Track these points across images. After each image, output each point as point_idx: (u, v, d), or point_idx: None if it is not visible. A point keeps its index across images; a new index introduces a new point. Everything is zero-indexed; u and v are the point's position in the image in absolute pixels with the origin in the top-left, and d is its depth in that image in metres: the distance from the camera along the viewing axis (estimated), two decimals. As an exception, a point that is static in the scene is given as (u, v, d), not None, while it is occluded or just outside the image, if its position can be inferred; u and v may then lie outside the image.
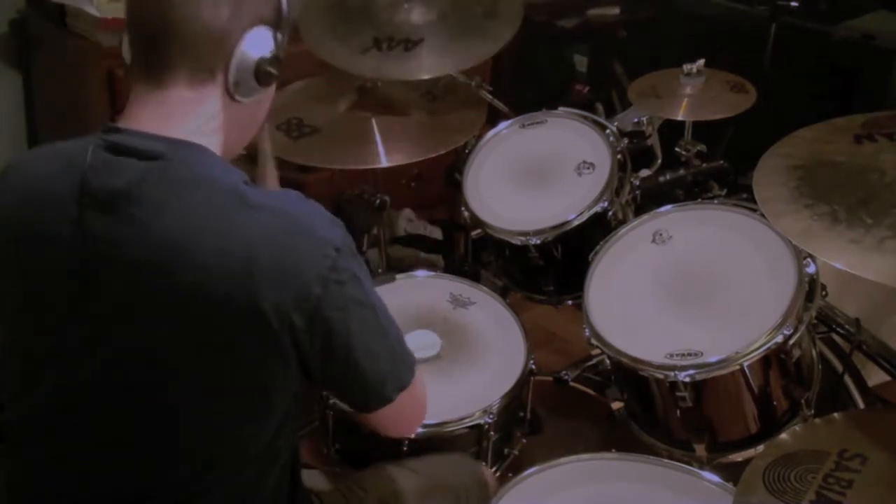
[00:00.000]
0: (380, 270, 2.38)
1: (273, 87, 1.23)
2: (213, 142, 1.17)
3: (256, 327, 1.09)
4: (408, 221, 3.09)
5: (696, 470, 1.50)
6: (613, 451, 1.54)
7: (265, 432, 1.19)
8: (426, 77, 2.13)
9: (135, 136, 1.13)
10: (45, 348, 1.16)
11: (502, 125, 2.19)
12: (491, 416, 1.68)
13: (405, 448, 1.61)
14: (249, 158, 1.41)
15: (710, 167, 2.30)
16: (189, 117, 1.14)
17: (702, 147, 2.25)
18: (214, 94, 1.15)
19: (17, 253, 1.16)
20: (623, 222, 1.95)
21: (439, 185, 2.44)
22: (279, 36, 1.17)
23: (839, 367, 1.94)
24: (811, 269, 1.63)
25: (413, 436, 1.55)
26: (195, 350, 1.11)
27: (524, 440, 1.85)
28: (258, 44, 1.15)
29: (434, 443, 1.64)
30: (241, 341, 1.10)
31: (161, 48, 1.12)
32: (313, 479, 1.47)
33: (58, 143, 1.19)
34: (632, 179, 2.09)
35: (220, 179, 1.13)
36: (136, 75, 1.15)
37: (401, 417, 1.32)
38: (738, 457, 1.68)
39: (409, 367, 1.26)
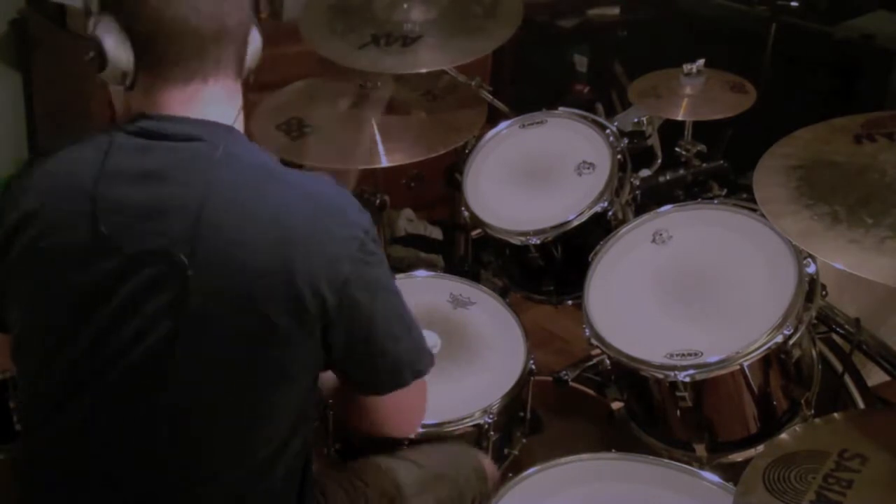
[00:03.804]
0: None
1: None
2: (240, 126, 1.22)
3: (288, 297, 1.12)
4: (408, 221, 3.10)
5: (696, 470, 1.50)
6: (613, 451, 1.54)
7: (280, 411, 1.19)
8: (422, 70, 2.13)
9: (166, 121, 1.16)
10: (66, 329, 1.17)
11: (502, 125, 2.19)
12: (491, 416, 1.68)
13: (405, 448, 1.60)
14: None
15: (710, 167, 2.30)
16: (230, 105, 1.20)
17: (702, 147, 2.25)
18: (227, 84, 1.20)
19: (40, 238, 1.17)
20: (623, 222, 1.95)
21: (439, 185, 2.44)
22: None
23: (839, 367, 1.94)
24: (811, 269, 1.63)
25: (412, 435, 1.55)
26: (223, 322, 1.12)
27: (524, 440, 1.85)
28: (255, 33, 1.23)
29: (434, 442, 1.64)
30: (269, 312, 1.11)
31: (215, 49, 1.17)
32: (314, 473, 1.48)
33: (85, 134, 1.22)
34: (632, 179, 2.09)
35: (254, 158, 1.18)
36: (160, 74, 1.17)
37: (409, 407, 1.34)
38: (738, 457, 1.68)
39: (426, 356, 1.30)
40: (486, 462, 1.62)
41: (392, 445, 1.57)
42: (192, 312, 1.11)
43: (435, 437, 1.63)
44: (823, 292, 1.66)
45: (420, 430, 1.59)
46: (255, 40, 1.23)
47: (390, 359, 1.24)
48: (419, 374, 1.28)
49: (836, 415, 1.45)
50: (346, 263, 1.14)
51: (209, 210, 1.11)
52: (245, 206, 1.12)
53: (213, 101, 1.18)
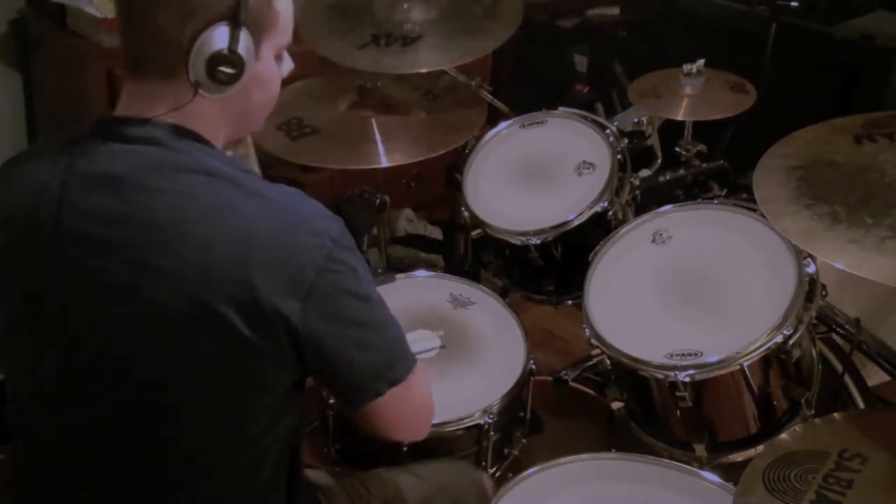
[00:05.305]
0: (380, 270, 2.38)
1: (266, 77, 1.22)
2: (200, 131, 1.18)
3: (250, 311, 1.10)
4: (408, 221, 3.10)
5: (696, 470, 1.50)
6: (613, 451, 1.54)
7: (260, 415, 1.19)
8: (423, 70, 2.13)
9: (132, 124, 1.15)
10: (44, 334, 1.17)
11: (502, 125, 2.19)
12: (491, 416, 1.68)
13: (405, 448, 1.60)
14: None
15: (710, 167, 2.30)
16: (169, 107, 1.15)
17: (702, 147, 2.25)
18: (185, 88, 1.15)
19: (11, 240, 1.18)
20: (623, 222, 1.95)
21: (439, 185, 2.45)
22: (240, 31, 1.14)
23: (839, 367, 1.94)
24: (811, 269, 1.63)
25: (411, 440, 1.55)
26: (189, 331, 1.11)
27: (524, 440, 1.85)
28: (213, 43, 1.12)
29: (434, 443, 1.63)
30: (234, 323, 1.10)
31: (136, 45, 1.15)
32: (317, 477, 1.48)
33: (55, 136, 1.22)
34: (632, 179, 2.09)
35: (217, 166, 1.15)
36: (125, 66, 1.18)
37: (393, 416, 1.31)
38: (738, 457, 1.68)
39: (405, 364, 1.26)
40: (485, 478, 1.62)
41: (392, 452, 1.57)
42: (160, 320, 1.11)
43: (435, 436, 1.63)
44: (823, 292, 1.66)
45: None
46: (194, 57, 1.12)
47: (362, 368, 1.22)
48: (394, 382, 1.24)
49: (836, 415, 1.45)
50: (311, 273, 1.12)
51: (176, 219, 1.10)
52: (207, 215, 1.11)
53: (170, 103, 1.15)
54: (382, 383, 1.24)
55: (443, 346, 1.80)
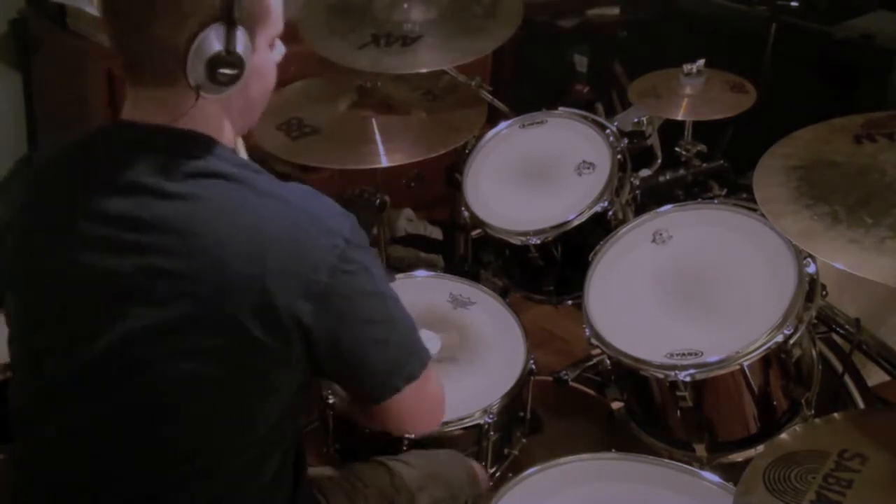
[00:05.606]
0: (380, 270, 2.38)
1: (264, 68, 1.21)
2: (209, 132, 1.18)
3: (263, 312, 1.11)
4: (408, 221, 3.10)
5: (696, 470, 1.50)
6: (613, 451, 1.54)
7: (265, 415, 1.20)
8: (423, 70, 2.13)
9: (141, 131, 1.15)
10: (44, 335, 1.18)
11: (502, 125, 2.19)
12: (491, 416, 1.68)
13: (405, 448, 1.61)
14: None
15: (710, 167, 2.30)
16: (173, 113, 1.15)
17: (702, 147, 2.25)
18: (187, 94, 1.14)
19: (16, 241, 1.19)
20: (623, 222, 1.95)
21: (439, 185, 2.45)
22: (236, 30, 1.12)
23: (839, 367, 1.94)
24: (811, 269, 1.63)
25: (423, 433, 1.55)
26: (196, 333, 1.12)
27: (524, 440, 1.85)
28: (209, 46, 1.11)
29: (434, 443, 1.63)
30: (246, 324, 1.11)
31: (132, 53, 1.14)
32: (314, 474, 1.48)
33: (64, 139, 1.22)
34: (632, 179, 2.09)
35: (229, 168, 1.15)
36: (124, 73, 1.18)
37: (409, 411, 1.33)
38: (738, 457, 1.68)
39: (419, 359, 1.27)
40: (477, 467, 1.63)
41: (391, 452, 1.57)
42: (167, 322, 1.11)
43: (435, 436, 1.63)
44: (823, 292, 1.66)
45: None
46: (191, 60, 1.11)
47: (379, 366, 1.23)
48: (411, 377, 1.26)
49: (836, 415, 1.45)
50: (324, 273, 1.13)
51: (189, 222, 1.11)
52: (222, 217, 1.11)
53: (173, 108, 1.15)
54: (399, 379, 1.25)
55: (451, 358, 1.80)
